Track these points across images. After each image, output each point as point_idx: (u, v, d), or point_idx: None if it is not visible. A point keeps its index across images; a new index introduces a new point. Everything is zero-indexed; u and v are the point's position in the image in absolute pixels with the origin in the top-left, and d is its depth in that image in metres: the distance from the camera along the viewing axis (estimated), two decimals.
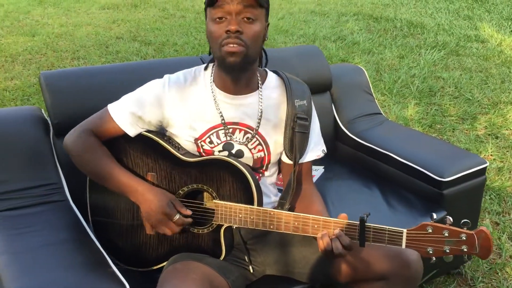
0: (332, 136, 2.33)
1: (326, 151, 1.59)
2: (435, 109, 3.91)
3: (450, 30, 5.74)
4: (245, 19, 1.31)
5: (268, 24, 1.43)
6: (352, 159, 2.29)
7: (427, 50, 5.09)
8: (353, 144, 2.27)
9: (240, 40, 1.31)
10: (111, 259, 1.46)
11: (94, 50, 4.82)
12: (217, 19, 1.32)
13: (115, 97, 1.47)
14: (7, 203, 1.50)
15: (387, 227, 1.28)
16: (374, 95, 2.49)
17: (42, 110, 1.77)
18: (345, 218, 1.32)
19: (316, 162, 1.61)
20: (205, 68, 1.48)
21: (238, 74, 1.41)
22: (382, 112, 2.45)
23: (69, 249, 1.37)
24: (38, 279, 1.22)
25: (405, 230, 1.28)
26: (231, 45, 1.30)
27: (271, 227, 1.37)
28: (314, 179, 2.10)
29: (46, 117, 1.71)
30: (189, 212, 1.40)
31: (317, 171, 2.16)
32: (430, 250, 1.27)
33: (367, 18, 6.15)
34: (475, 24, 6.02)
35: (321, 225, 1.32)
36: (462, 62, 4.85)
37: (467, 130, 3.63)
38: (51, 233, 1.42)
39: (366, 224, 1.29)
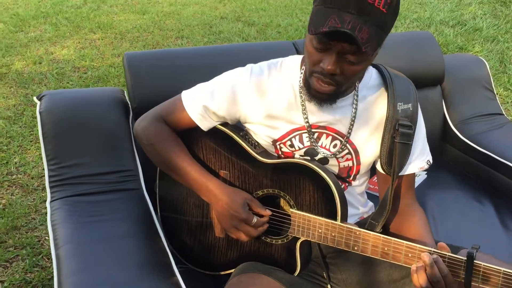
0: (439, 137, 2.07)
1: (431, 162, 1.34)
2: None
3: None
4: (347, 60, 1.09)
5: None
6: (461, 166, 2.02)
7: None
8: (465, 148, 1.99)
9: (333, 81, 1.11)
10: (177, 258, 1.38)
11: (198, 30, 4.84)
12: (318, 49, 1.10)
13: (197, 82, 1.34)
14: (80, 188, 1.46)
15: (503, 269, 1.02)
16: (495, 89, 2.14)
17: (125, 92, 1.71)
18: (445, 249, 1.08)
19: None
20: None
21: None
22: (504, 113, 2.10)
23: (133, 244, 1.30)
24: (93, 276, 1.16)
25: None
26: (322, 84, 1.12)
27: (355, 248, 1.18)
28: None
29: (127, 100, 1.65)
30: (268, 213, 1.25)
31: (418, 177, 1.90)
32: None
33: (494, 1, 5.50)
34: None
35: (417, 255, 1.10)
36: None
37: None
38: (118, 225, 1.35)
39: (475, 262, 1.04)
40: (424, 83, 1.98)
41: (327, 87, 1.13)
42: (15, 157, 2.74)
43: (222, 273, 1.37)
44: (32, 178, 2.58)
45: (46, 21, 4.92)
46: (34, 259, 2.04)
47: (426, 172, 1.94)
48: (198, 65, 1.67)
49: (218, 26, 4.92)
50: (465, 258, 1.05)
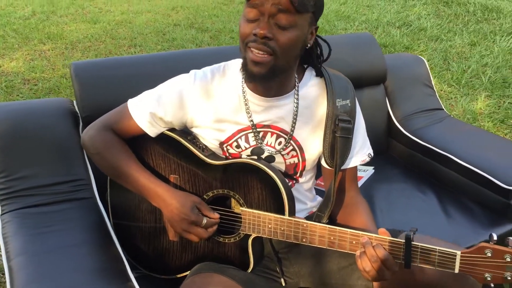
0: (385, 133, 2.14)
1: (372, 155, 1.41)
2: (508, 102, 3.55)
3: None
4: (278, 24, 1.14)
5: (317, 28, 1.25)
6: (406, 160, 2.10)
7: (502, 36, 4.66)
8: (408, 142, 2.07)
9: (267, 47, 1.14)
10: (132, 264, 1.39)
11: (151, 38, 4.83)
12: (249, 19, 1.16)
13: (147, 89, 1.36)
14: (32, 200, 1.45)
15: (438, 248, 1.10)
16: (439, 86, 2.26)
17: (74, 102, 1.71)
18: (385, 234, 1.15)
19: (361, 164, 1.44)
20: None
21: (264, 83, 1.25)
22: (443, 108, 2.21)
23: (87, 252, 1.30)
24: (47, 285, 1.16)
25: (459, 253, 1.10)
26: (256, 52, 1.15)
27: (304, 240, 1.23)
28: (362, 181, 1.92)
29: (76, 110, 1.65)
30: (216, 216, 1.29)
31: (366, 172, 1.98)
32: (488, 276, 1.10)
33: (437, 2, 5.74)
34: None
35: (360, 242, 1.16)
36: None
37: None
38: (72, 234, 1.35)
39: (413, 243, 1.11)
40: (368, 83, 2.06)
41: (263, 55, 1.15)
42: None
43: (178, 276, 1.39)
44: None
45: None
46: None
47: (373, 167, 2.02)
48: (148, 72, 1.68)
49: (171, 33, 4.92)
50: (404, 241, 1.12)
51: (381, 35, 4.79)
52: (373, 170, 2.01)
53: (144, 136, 1.34)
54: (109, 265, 1.28)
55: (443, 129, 2.05)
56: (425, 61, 2.24)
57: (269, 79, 1.21)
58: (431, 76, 2.22)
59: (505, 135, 3.23)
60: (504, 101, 3.58)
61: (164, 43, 4.69)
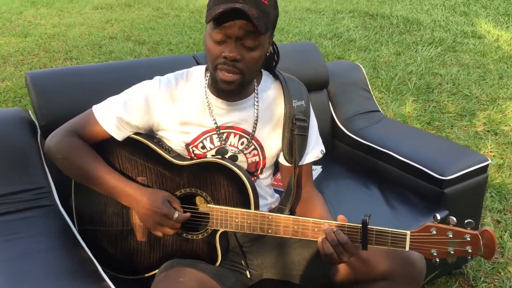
0: (330, 134, 2.29)
1: (324, 151, 1.54)
2: (433, 106, 3.86)
3: (447, 26, 5.70)
4: (245, 46, 1.24)
5: (273, 37, 1.36)
6: (350, 158, 2.24)
7: (424, 46, 5.05)
8: (351, 142, 2.22)
9: (236, 68, 1.24)
10: (100, 267, 1.41)
11: (87, 50, 4.76)
12: (217, 41, 1.24)
13: (105, 97, 1.40)
14: None
15: (390, 229, 1.23)
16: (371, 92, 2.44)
17: (30, 111, 1.70)
18: (344, 220, 1.26)
19: (313, 162, 1.55)
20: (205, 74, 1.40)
21: (230, 97, 1.36)
22: (380, 110, 2.40)
23: (57, 257, 1.31)
24: None
25: (408, 232, 1.23)
26: (227, 74, 1.25)
27: (269, 231, 1.31)
28: None
29: (33, 119, 1.65)
30: (186, 215, 1.33)
31: (315, 171, 2.11)
32: (434, 252, 1.23)
33: (363, 15, 6.11)
34: (472, 20, 5.98)
35: (322, 229, 1.27)
36: (460, 58, 4.81)
37: (465, 127, 3.59)
38: (38, 240, 1.36)
39: (368, 226, 1.23)
40: (312, 88, 2.19)
41: (233, 75, 1.25)
42: None
43: (147, 275, 1.42)
44: None
45: None
46: None
47: (321, 166, 2.16)
48: (105, 81, 1.71)
49: (108, 46, 4.88)
50: (361, 225, 1.24)
51: None
52: (321, 169, 2.14)
53: (109, 140, 1.37)
54: (81, 267, 1.29)
55: (381, 129, 2.21)
56: (362, 67, 2.43)
57: (237, 93, 1.33)
58: (367, 81, 2.41)
59: None
60: (429, 105, 3.89)
61: (101, 55, 4.65)
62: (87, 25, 5.61)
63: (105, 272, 1.41)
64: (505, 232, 2.49)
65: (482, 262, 2.26)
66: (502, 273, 2.23)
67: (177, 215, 1.30)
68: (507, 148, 3.31)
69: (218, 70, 1.26)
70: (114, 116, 1.35)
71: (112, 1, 6.78)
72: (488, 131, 3.53)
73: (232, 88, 1.28)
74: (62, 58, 4.57)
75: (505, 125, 3.59)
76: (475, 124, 3.60)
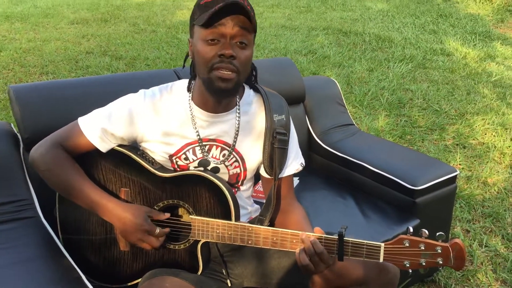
0: (306, 147, 2.35)
1: (304, 164, 1.58)
2: (404, 121, 3.99)
3: (417, 44, 5.89)
4: (239, 43, 1.28)
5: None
6: (326, 170, 2.30)
7: (395, 63, 5.21)
8: (327, 154, 2.28)
9: (233, 65, 1.28)
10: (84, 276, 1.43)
11: (63, 65, 4.74)
12: (209, 41, 1.28)
13: (88, 110, 1.43)
14: None
15: (365, 241, 1.26)
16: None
17: (12, 125, 1.72)
18: (320, 232, 1.30)
19: (294, 174, 1.60)
20: (188, 89, 1.42)
21: (224, 98, 1.39)
22: (354, 123, 2.48)
23: (40, 266, 1.32)
24: None
25: (382, 245, 1.26)
26: (224, 71, 1.28)
27: (249, 242, 1.35)
28: None
29: (15, 132, 1.66)
30: (167, 215, 1.37)
31: None
32: (407, 263, 1.26)
33: (337, 32, 6.27)
34: (441, 38, 6.21)
35: (300, 240, 1.30)
36: (429, 75, 4.98)
37: (436, 141, 3.71)
38: (21, 251, 1.37)
39: (344, 238, 1.27)
40: (290, 102, 2.19)
41: (230, 73, 1.27)
42: None
43: (129, 284, 1.45)
44: None
45: None
46: None
47: (298, 178, 2.22)
48: (87, 94, 1.74)
49: (85, 61, 4.87)
50: (337, 237, 1.27)
51: None
52: (298, 181, 2.20)
53: (93, 153, 1.40)
54: (65, 275, 1.31)
55: (356, 142, 2.29)
56: (336, 82, 2.52)
57: (232, 94, 1.37)
58: (342, 95, 2.50)
59: None
60: (400, 119, 4.01)
61: (78, 70, 4.64)
62: (63, 40, 5.59)
63: (89, 281, 1.44)
64: (474, 241, 2.59)
65: (452, 270, 2.35)
66: (471, 280, 2.32)
67: (158, 231, 1.34)
68: (475, 161, 3.44)
69: (214, 70, 1.28)
70: (99, 127, 1.38)
71: (88, 16, 6.78)
72: (457, 144, 3.66)
73: (229, 86, 1.30)
74: (38, 73, 4.55)
75: (473, 139, 3.74)
76: (444, 138, 3.74)
